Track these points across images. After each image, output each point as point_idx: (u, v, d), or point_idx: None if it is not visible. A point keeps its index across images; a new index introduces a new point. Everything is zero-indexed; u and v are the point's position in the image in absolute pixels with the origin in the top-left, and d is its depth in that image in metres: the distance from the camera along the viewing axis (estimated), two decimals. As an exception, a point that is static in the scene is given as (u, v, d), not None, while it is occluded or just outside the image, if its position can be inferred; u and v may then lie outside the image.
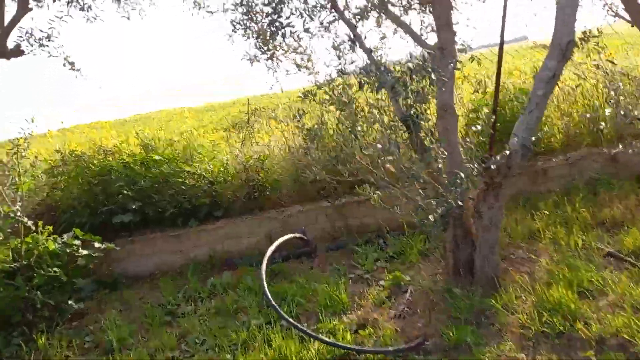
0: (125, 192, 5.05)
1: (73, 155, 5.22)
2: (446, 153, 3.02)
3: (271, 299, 3.28)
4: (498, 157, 2.91)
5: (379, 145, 2.98)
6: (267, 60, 3.95)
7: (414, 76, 2.87)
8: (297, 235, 4.49)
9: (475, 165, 2.78)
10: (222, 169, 5.30)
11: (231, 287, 4.29)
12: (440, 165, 2.64)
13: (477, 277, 3.20)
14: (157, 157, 5.26)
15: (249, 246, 4.94)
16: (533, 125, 2.89)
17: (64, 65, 4.01)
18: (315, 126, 3.74)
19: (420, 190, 2.98)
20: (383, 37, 3.96)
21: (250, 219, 4.99)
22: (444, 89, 3.08)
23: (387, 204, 3.71)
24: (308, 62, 3.96)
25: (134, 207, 4.98)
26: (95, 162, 5.21)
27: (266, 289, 3.36)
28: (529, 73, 5.33)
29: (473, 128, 4.41)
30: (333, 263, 4.39)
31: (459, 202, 2.65)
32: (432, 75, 2.69)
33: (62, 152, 5.22)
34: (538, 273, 3.31)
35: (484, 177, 2.88)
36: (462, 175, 2.56)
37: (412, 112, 2.78)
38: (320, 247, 4.70)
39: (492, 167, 2.79)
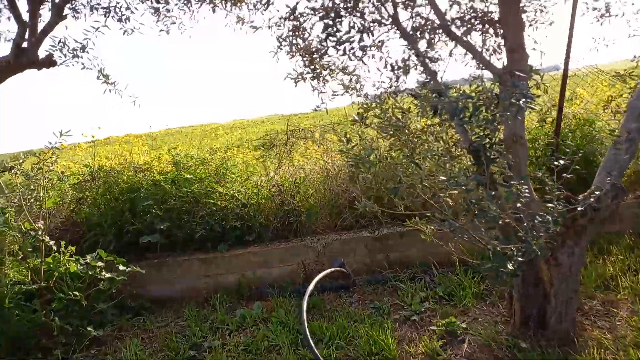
0: (154, 211, 4.79)
1: (102, 170, 4.99)
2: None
3: (312, 344, 2.91)
4: (582, 197, 2.51)
5: (442, 177, 2.62)
6: (312, 80, 3.66)
7: (484, 102, 2.52)
8: (338, 267, 4.13)
9: (557, 206, 2.39)
10: (255, 190, 5.00)
11: (262, 320, 3.93)
12: (519, 205, 2.27)
13: (550, 331, 2.77)
14: (188, 176, 4.99)
15: (281, 275, 4.59)
16: (626, 162, 2.49)
17: (98, 78, 3.80)
18: (362, 152, 3.40)
19: (496, 232, 2.60)
20: (437, 60, 3.65)
21: (284, 246, 4.64)
22: (519, 117, 2.71)
23: (439, 240, 3.34)
24: (356, 83, 3.65)
25: (162, 227, 4.70)
26: (124, 178, 4.97)
27: (307, 331, 2.99)
28: (594, 101, 4.91)
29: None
30: (374, 300, 3.99)
31: (541, 249, 2.26)
32: (511, 101, 2.33)
33: (91, 167, 5.00)
34: (620, 329, 2.86)
35: (566, 220, 2.48)
36: (548, 217, 2.17)
37: (484, 141, 2.41)
38: (359, 281, 4.32)
39: (580, 208, 2.40)
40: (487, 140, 2.40)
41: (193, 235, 4.78)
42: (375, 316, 3.67)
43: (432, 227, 3.32)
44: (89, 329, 3.70)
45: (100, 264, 3.84)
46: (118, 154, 5.39)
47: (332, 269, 4.01)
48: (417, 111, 2.88)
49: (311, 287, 3.50)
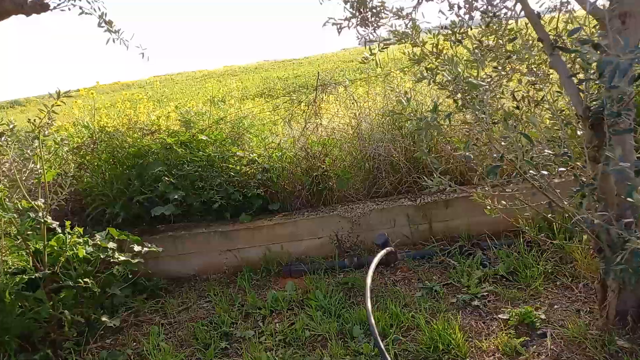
0: (165, 178, 4.25)
1: (104, 132, 4.40)
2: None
3: (383, 348, 2.47)
4: None
5: (548, 151, 2.10)
6: (360, 25, 3.03)
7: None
8: (388, 249, 3.66)
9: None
10: (278, 154, 4.44)
11: (297, 303, 3.50)
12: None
13: (660, 329, 2.34)
14: (203, 137, 4.42)
15: (311, 248, 4.13)
16: None
17: (100, 25, 3.14)
18: (428, 114, 2.86)
19: (597, 206, 2.10)
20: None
21: (313, 217, 4.15)
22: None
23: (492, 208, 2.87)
24: (413, 29, 3.03)
25: (175, 197, 4.18)
26: (130, 140, 4.39)
27: (378, 339, 2.54)
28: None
29: None
30: (422, 278, 3.55)
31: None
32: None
33: (92, 129, 4.40)
34: None
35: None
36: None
37: (609, 104, 1.86)
38: (401, 256, 3.86)
39: None
40: (614, 105, 1.85)
41: (210, 205, 4.27)
42: (428, 300, 3.23)
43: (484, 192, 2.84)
44: (103, 319, 3.25)
45: (112, 245, 3.34)
46: (121, 111, 4.77)
47: (384, 252, 3.53)
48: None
49: (369, 280, 3.03)
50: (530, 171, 2.34)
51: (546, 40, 2.28)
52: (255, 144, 4.76)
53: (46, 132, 3.54)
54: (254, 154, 4.50)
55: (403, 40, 3.00)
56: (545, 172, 2.18)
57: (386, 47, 3.04)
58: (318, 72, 3.79)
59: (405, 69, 5.12)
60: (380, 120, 4.36)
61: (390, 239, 3.78)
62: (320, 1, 2.96)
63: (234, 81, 31.94)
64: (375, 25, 2.96)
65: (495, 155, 2.25)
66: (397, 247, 3.92)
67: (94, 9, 3.07)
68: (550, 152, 2.15)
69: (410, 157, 4.24)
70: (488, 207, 3.00)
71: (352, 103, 4.48)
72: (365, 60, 3.10)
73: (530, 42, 3.03)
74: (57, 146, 4.23)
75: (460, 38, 3.05)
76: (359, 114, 4.36)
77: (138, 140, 4.26)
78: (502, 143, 2.23)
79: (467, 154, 2.32)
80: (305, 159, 4.38)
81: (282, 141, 4.55)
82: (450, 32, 3.03)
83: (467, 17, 2.98)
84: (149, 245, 3.60)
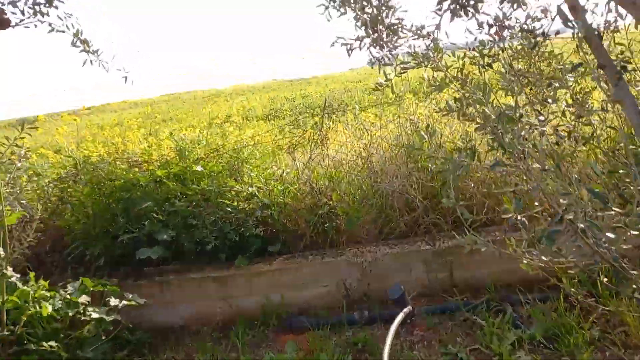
0: (154, 214, 3.80)
1: (88, 162, 3.97)
2: None
3: None
4: None
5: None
6: (373, 46, 2.61)
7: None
8: (409, 309, 3.17)
9: None
10: (280, 187, 3.99)
11: (298, 368, 3.01)
12: None
13: None
14: (197, 168, 3.98)
15: (315, 298, 3.65)
16: None
17: (74, 44, 2.73)
18: (452, 154, 2.41)
19: None
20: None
21: (319, 261, 3.68)
22: None
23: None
24: (435, 51, 2.59)
25: (164, 237, 3.73)
26: (117, 172, 3.96)
27: None
28: None
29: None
30: (444, 340, 3.06)
31: None
32: None
33: (75, 158, 3.98)
34: None
35: None
36: None
37: None
38: (418, 310, 3.37)
39: None
40: None
41: (204, 245, 3.81)
42: (453, 370, 2.74)
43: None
44: (71, 388, 2.78)
45: (84, 299, 2.88)
46: (108, 139, 4.36)
47: (402, 314, 3.05)
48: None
49: (389, 340, 2.55)
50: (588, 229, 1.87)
51: (610, 66, 1.83)
52: (255, 176, 4.31)
53: (18, 164, 3.13)
54: (254, 187, 4.06)
55: (423, 64, 2.57)
56: (612, 236, 1.71)
57: (404, 72, 2.60)
58: (325, 98, 3.36)
59: (417, 92, 4.70)
60: (394, 152, 3.91)
61: (406, 291, 3.29)
62: (328, 18, 2.54)
63: (241, 100, 31.79)
64: (391, 46, 2.53)
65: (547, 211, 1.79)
66: (414, 299, 3.43)
67: (67, 26, 2.67)
68: (618, 210, 1.69)
69: (428, 194, 3.78)
70: (524, 261, 2.52)
71: (363, 131, 4.04)
72: (379, 87, 2.66)
73: (568, 66, 2.59)
74: (37, 177, 3.82)
75: (490, 61, 2.61)
76: (370, 144, 3.91)
77: (125, 173, 3.83)
78: (562, 200, 1.76)
79: (520, 218, 1.85)
80: (309, 194, 3.92)
81: (284, 173, 4.10)
82: (478, 54, 2.60)
83: (497, 37, 2.56)
84: (130, 297, 3.13)
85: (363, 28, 2.49)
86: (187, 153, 4.40)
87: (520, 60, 2.76)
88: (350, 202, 3.86)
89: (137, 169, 3.96)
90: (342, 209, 3.81)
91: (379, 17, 2.48)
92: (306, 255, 3.79)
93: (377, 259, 3.60)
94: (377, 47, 2.58)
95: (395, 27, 2.50)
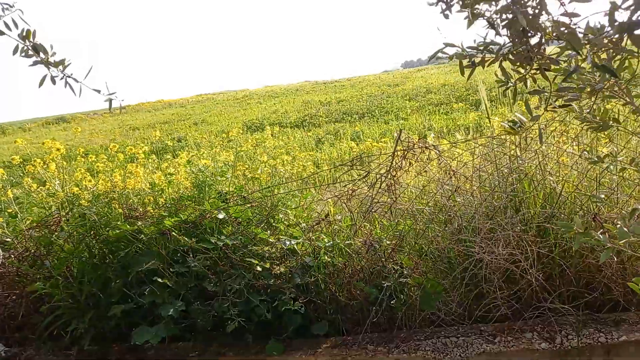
0: (158, 279, 2.81)
1: (77, 204, 3.01)
2: None
3: None
4: None
5: None
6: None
7: None
8: None
9: None
10: (328, 242, 2.94)
11: None
12: None
13: None
14: (220, 216, 2.97)
15: (377, 406, 2.58)
16: None
17: (21, 53, 1.75)
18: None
19: None
20: None
21: (383, 355, 2.60)
22: None
23: None
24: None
25: (170, 312, 2.72)
26: (114, 217, 2.98)
27: None
28: None
29: None
30: None
31: None
32: None
33: (62, 200, 3.02)
34: None
35: None
36: None
37: None
38: None
39: None
40: None
41: (223, 322, 2.80)
42: None
43: None
44: None
45: None
46: (108, 171, 3.39)
47: None
48: None
49: None
50: None
51: None
52: (294, 222, 3.28)
53: None
54: (292, 241, 3.02)
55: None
56: None
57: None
58: (400, 130, 2.28)
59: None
60: (487, 198, 2.80)
61: None
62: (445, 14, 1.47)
63: (274, 104, 30.96)
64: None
65: None
66: None
67: (5, 23, 1.68)
68: None
69: (541, 265, 2.65)
70: None
71: (442, 169, 2.94)
72: (515, 128, 1.58)
73: None
74: (11, 220, 2.89)
75: None
76: (453, 188, 2.81)
77: (118, 222, 2.85)
78: None
79: None
80: (370, 255, 2.85)
81: (338, 220, 3.05)
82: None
83: None
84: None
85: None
86: (208, 187, 3.40)
87: None
88: (427, 269, 2.78)
89: (138, 214, 2.96)
90: (416, 278, 2.73)
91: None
92: (364, 343, 2.72)
93: (467, 358, 2.50)
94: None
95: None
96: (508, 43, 1.51)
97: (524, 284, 2.70)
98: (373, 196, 2.73)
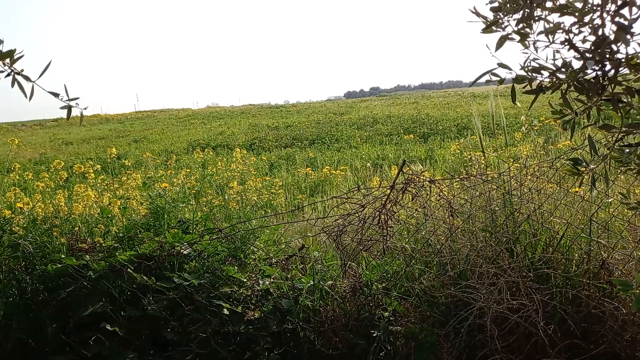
0: (107, 326, 2.35)
1: (8, 231, 2.49)
2: None
3: None
4: None
5: None
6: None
7: None
8: None
9: None
10: (309, 282, 2.60)
11: None
12: None
13: None
14: (186, 251, 2.55)
15: None
16: None
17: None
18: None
19: None
20: None
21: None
22: None
23: None
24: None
25: (120, 366, 2.26)
26: (52, 249, 2.49)
27: None
28: None
29: None
30: None
31: None
32: None
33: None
34: None
35: None
36: None
37: None
38: None
39: None
40: None
41: (185, 378, 2.36)
42: None
43: None
44: None
45: None
46: (47, 192, 2.88)
47: None
48: None
49: None
50: None
51: None
52: (264, 254, 2.92)
53: None
54: (266, 281, 2.65)
55: None
56: None
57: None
58: (404, 160, 2.02)
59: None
60: (488, 240, 2.58)
61: None
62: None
63: (219, 125, 30.22)
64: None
65: None
66: None
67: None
68: None
69: (546, 310, 2.44)
70: None
71: (438, 206, 2.70)
72: (579, 168, 1.36)
73: None
74: None
75: None
76: (454, 227, 2.56)
77: (66, 255, 2.37)
78: None
79: None
80: (355, 298, 2.54)
81: (317, 258, 2.72)
82: None
83: None
84: None
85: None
86: (165, 214, 2.97)
87: None
88: (421, 317, 2.50)
89: (86, 246, 2.49)
90: (409, 328, 2.44)
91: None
92: (349, 401, 2.38)
93: (469, 422, 2.22)
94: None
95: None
96: (568, 68, 1.29)
97: (521, 334, 2.48)
98: (364, 232, 2.43)
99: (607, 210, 2.44)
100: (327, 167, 7.56)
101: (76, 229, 2.55)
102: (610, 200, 2.56)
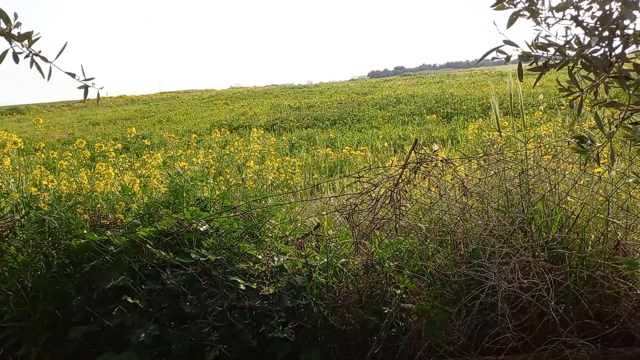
0: (128, 298, 2.45)
1: (35, 208, 2.61)
2: None
3: None
4: None
5: None
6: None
7: None
8: None
9: None
10: (323, 260, 2.65)
11: None
12: None
13: None
14: (203, 227, 2.63)
15: None
16: None
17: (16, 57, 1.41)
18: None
19: None
20: None
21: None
22: None
23: None
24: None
25: (141, 337, 2.37)
26: (74, 225, 2.60)
27: None
28: None
29: None
30: None
31: None
32: None
33: (16, 201, 2.61)
34: None
35: None
36: None
37: None
38: None
39: None
40: None
41: (202, 349, 2.46)
42: None
43: None
44: None
45: None
46: (74, 170, 2.99)
47: None
48: None
49: None
50: None
51: None
52: (279, 232, 2.98)
53: None
54: (280, 257, 2.72)
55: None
56: None
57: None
58: (416, 139, 2.03)
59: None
60: (501, 220, 2.58)
61: None
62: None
63: (242, 105, 30.36)
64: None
65: None
66: None
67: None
68: None
69: (559, 290, 2.45)
70: None
71: (451, 184, 2.70)
72: (585, 146, 1.35)
73: None
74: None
75: None
76: (467, 206, 2.57)
77: (88, 231, 2.48)
78: None
79: None
80: (365, 276, 2.58)
81: (331, 236, 2.77)
82: None
83: None
84: None
85: None
86: (185, 194, 3.05)
87: None
88: (433, 294, 2.53)
89: (107, 222, 2.59)
90: (420, 305, 2.47)
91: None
92: (360, 375, 2.44)
93: (479, 397, 2.26)
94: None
95: None
96: (579, 45, 1.28)
97: (533, 313, 2.49)
98: (377, 211, 2.46)
99: (627, 191, 2.41)
100: (347, 147, 7.59)
101: (98, 206, 2.66)
102: (630, 180, 2.52)
